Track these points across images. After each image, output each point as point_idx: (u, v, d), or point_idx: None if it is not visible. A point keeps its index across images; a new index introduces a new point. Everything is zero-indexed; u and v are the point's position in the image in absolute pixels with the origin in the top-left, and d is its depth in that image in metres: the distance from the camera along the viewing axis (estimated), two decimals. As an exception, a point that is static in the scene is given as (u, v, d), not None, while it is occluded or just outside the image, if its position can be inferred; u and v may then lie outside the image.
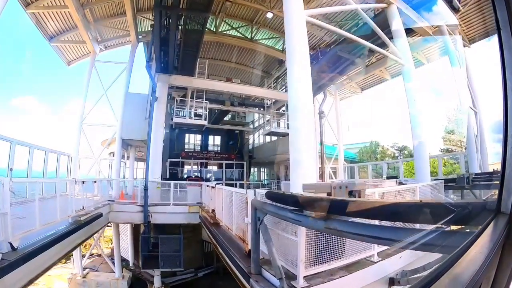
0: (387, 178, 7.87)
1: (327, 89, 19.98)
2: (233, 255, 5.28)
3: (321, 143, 17.37)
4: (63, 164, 16.44)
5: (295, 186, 5.55)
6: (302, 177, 5.52)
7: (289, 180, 19.26)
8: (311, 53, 18.62)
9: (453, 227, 1.65)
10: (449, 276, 0.91)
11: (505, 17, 1.24)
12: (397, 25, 11.02)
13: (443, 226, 1.54)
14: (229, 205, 6.51)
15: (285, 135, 19.31)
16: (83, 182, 8.75)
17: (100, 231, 15.05)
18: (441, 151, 28.93)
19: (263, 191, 4.78)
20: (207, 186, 11.17)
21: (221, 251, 6.57)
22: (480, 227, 1.28)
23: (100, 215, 9.66)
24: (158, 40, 13.13)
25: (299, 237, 3.57)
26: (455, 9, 13.67)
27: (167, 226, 12.85)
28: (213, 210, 9.25)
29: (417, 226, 2.46)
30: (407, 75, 10.34)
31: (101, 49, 18.81)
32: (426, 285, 0.92)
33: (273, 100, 20.78)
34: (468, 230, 1.60)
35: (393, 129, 77.42)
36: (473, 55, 16.57)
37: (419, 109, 9.45)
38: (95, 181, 10.29)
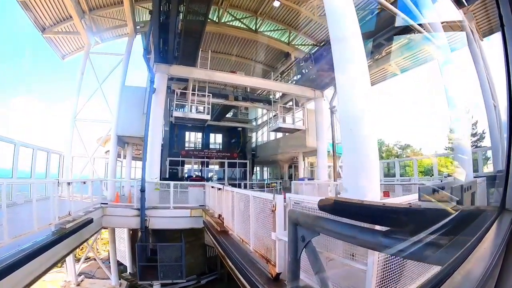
0: (448, 176, 6.86)
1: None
2: (253, 278, 4.08)
3: (333, 141, 16.16)
4: (54, 163, 15.26)
5: (360, 191, 4.21)
6: (369, 180, 4.26)
7: (297, 179, 18.10)
8: (318, 48, 17.47)
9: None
10: (461, 273, 0.90)
11: (508, 13, 1.21)
12: (427, 5, 9.95)
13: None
14: (244, 212, 5.27)
15: (294, 131, 18.08)
16: (69, 184, 7.51)
17: (94, 236, 13.87)
18: (446, 149, 28.11)
19: (295, 195, 3.58)
20: (212, 187, 9.93)
21: (232, 266, 5.36)
22: (485, 224, 1.25)
23: (91, 221, 8.42)
24: (157, 27, 11.89)
25: (370, 264, 2.39)
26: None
27: (167, 231, 11.64)
28: (220, 216, 8.03)
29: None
30: (443, 59, 9.13)
31: (97, 41, 17.61)
32: (438, 282, 0.90)
33: (280, 94, 19.53)
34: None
35: (396, 127, 76.14)
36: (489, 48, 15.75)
37: (459, 99, 8.25)
38: (84, 182, 9.06)
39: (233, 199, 6.25)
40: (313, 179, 17.35)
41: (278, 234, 3.48)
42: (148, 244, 10.32)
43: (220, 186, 8.12)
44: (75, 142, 15.36)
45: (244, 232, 5.32)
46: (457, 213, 1.49)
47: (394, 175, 19.10)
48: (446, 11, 12.38)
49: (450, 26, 13.71)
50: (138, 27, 17.21)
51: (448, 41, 17.25)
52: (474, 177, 9.06)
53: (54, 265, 7.02)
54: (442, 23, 13.62)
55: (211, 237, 7.90)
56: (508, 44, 1.23)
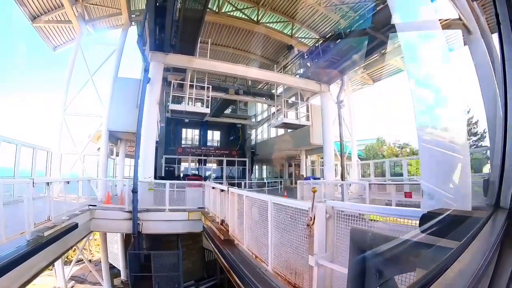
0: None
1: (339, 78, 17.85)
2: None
3: (341, 138, 15.20)
4: (41, 160, 14.09)
5: (453, 198, 3.03)
6: (463, 181, 3.23)
7: (302, 179, 17.15)
8: (323, 40, 16.48)
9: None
10: (454, 270, 0.88)
11: (505, 12, 1.21)
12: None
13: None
14: (259, 222, 4.26)
15: (298, 127, 17.03)
16: (48, 184, 6.46)
17: (84, 239, 12.80)
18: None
19: (346, 204, 2.61)
20: (213, 188, 8.92)
21: None
22: (480, 222, 1.21)
23: (75, 226, 7.36)
24: (153, 11, 10.82)
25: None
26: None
27: (162, 235, 10.62)
28: (223, 221, 7.03)
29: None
30: (476, 46, 8.21)
31: (89, 32, 16.45)
32: (430, 280, 0.85)
33: (283, 88, 18.48)
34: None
35: (396, 125, 75.63)
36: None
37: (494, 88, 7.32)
38: (68, 182, 7.98)
39: (242, 204, 5.24)
40: (319, 178, 16.39)
41: (319, 259, 2.50)
42: (141, 252, 9.26)
43: (224, 187, 7.09)
44: (64, 138, 14.23)
45: (258, 247, 4.29)
46: (451, 210, 1.44)
47: (401, 174, 18.30)
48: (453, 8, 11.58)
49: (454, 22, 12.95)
50: (133, 15, 16.09)
51: (454, 36, 16.44)
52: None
53: (31, 279, 5.98)
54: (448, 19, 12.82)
55: (214, 247, 6.87)
56: (504, 42, 1.21)
